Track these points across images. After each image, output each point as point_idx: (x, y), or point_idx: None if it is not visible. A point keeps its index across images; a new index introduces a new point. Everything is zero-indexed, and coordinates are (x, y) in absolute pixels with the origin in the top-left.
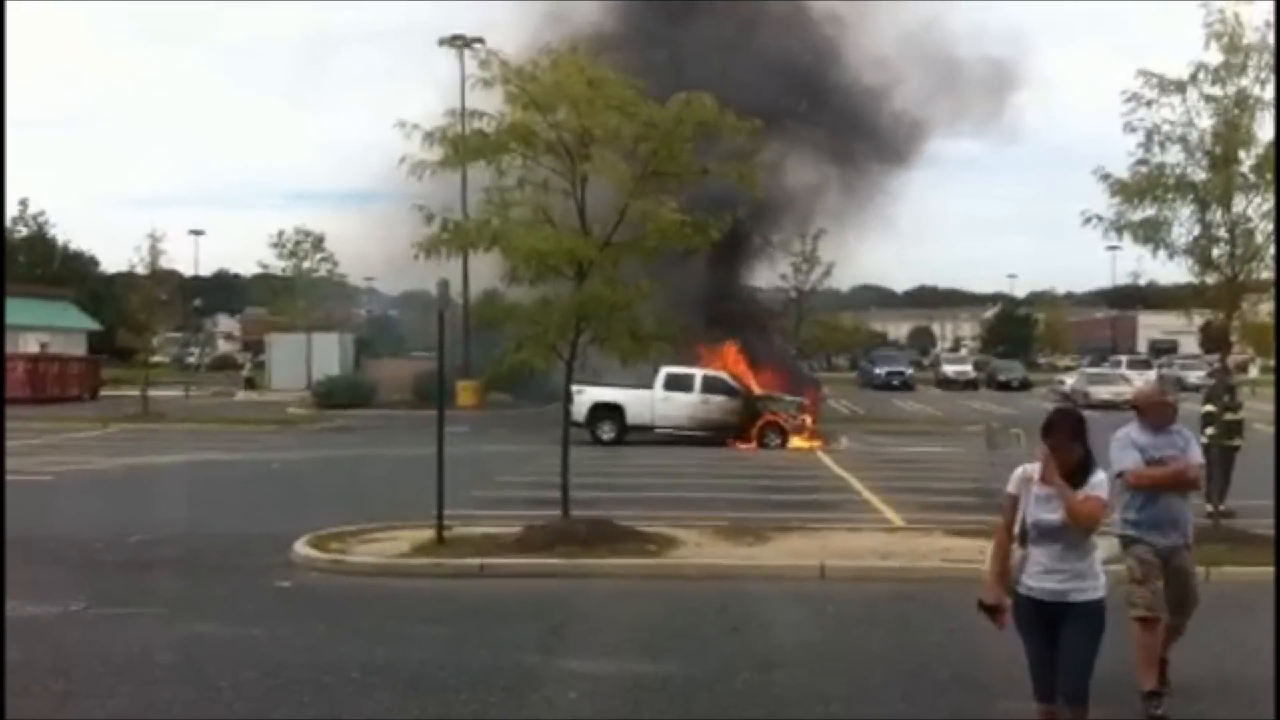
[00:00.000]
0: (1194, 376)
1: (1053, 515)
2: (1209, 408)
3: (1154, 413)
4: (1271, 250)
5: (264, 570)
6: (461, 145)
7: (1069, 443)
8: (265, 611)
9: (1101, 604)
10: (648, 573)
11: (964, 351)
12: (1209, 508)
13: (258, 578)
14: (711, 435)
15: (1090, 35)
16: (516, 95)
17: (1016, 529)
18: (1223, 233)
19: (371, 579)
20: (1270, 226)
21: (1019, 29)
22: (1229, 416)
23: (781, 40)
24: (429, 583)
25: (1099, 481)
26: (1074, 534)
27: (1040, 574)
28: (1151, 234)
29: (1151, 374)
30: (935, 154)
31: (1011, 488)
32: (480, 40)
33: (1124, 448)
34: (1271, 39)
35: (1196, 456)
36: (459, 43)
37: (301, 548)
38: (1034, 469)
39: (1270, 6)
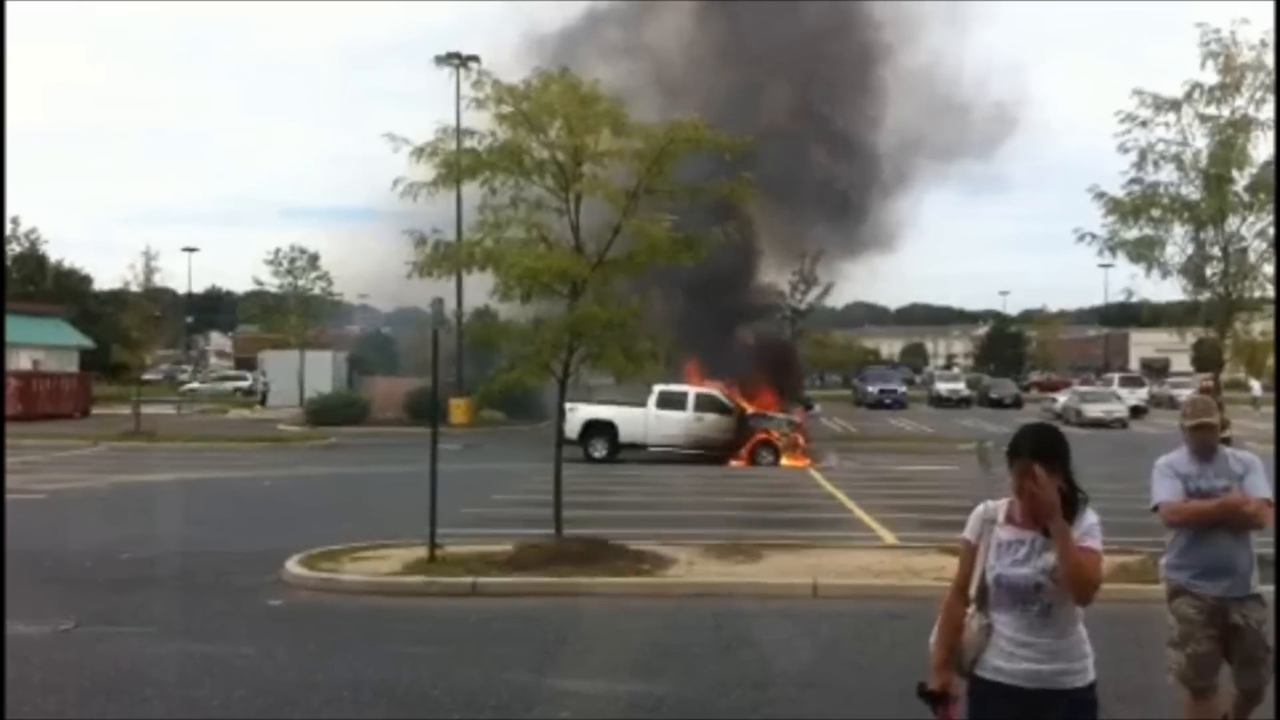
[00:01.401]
0: (1185, 395)
1: (1024, 569)
2: None
3: (1190, 438)
4: (1265, 269)
5: (255, 589)
6: (456, 164)
7: (1044, 471)
8: (256, 630)
9: (1095, 690)
10: (641, 591)
11: (957, 370)
12: None
13: (249, 596)
14: (704, 453)
15: (1086, 53)
16: (509, 114)
17: (974, 588)
18: (1216, 251)
19: (363, 598)
20: (1264, 245)
21: (1017, 54)
22: None
23: (785, 67)
24: (421, 601)
25: (1090, 526)
26: (1054, 595)
27: (1011, 651)
28: (1145, 253)
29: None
30: (929, 173)
31: (969, 532)
32: (475, 58)
33: (1162, 477)
34: (1268, 58)
35: (1258, 488)
36: (455, 61)
37: (293, 566)
38: (999, 507)
39: (1265, 27)
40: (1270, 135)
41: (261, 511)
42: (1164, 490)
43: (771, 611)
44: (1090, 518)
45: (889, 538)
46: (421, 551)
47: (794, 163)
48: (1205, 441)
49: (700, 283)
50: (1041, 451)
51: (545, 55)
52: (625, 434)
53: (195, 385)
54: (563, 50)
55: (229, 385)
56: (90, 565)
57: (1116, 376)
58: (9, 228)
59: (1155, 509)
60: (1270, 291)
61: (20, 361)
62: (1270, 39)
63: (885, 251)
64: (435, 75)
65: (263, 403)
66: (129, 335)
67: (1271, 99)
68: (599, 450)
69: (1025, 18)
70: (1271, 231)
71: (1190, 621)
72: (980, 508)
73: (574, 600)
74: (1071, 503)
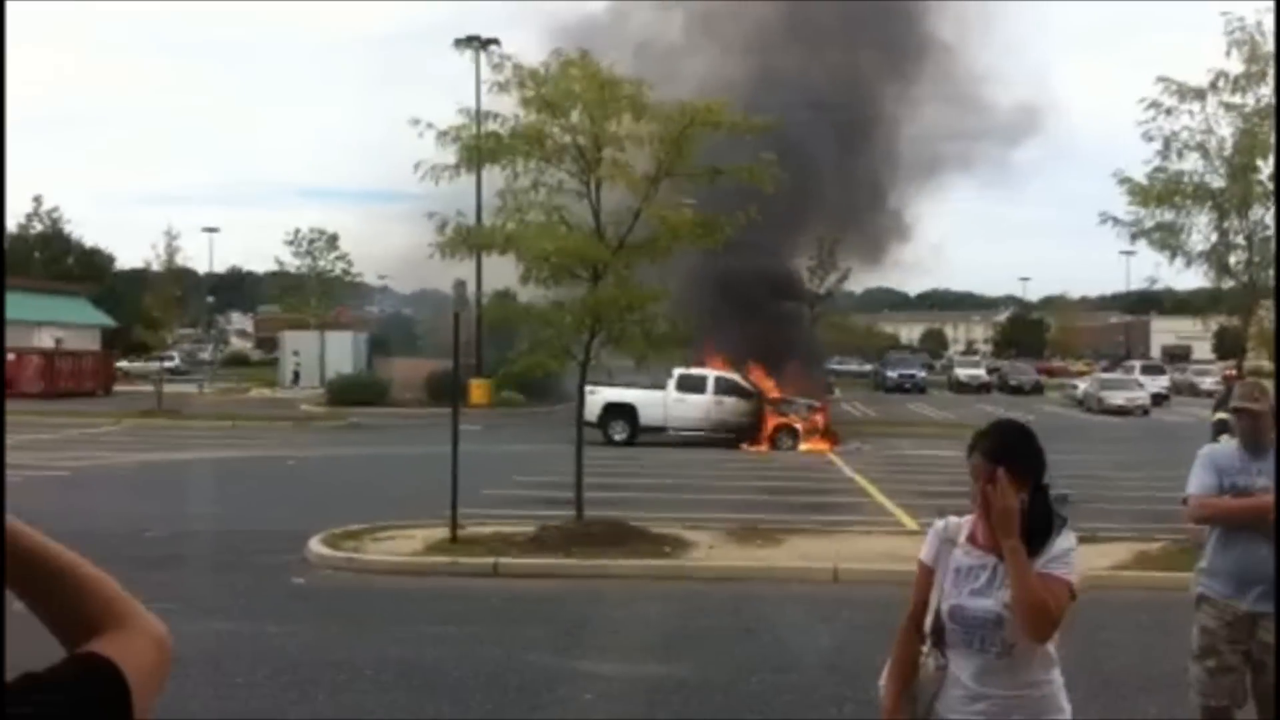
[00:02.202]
0: (1207, 382)
1: (982, 601)
2: (1220, 415)
3: (1242, 424)
4: None
5: (279, 567)
6: (476, 148)
7: (1005, 479)
8: (280, 609)
9: None
10: (662, 574)
11: (978, 356)
12: None
13: (272, 575)
14: (724, 436)
15: (1110, 39)
16: (530, 99)
17: (929, 621)
18: (1240, 240)
19: (385, 577)
20: None
21: (1040, 43)
22: None
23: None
24: (443, 581)
25: (1063, 552)
26: (1019, 634)
27: (966, 701)
28: (1169, 240)
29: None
30: (948, 157)
31: (924, 554)
32: (495, 41)
33: (1199, 468)
34: None
35: None
36: (475, 44)
37: (316, 545)
38: (961, 524)
39: None
40: None
41: (284, 490)
42: (1196, 482)
43: (792, 596)
44: (1065, 542)
45: (910, 523)
46: (443, 532)
47: (826, 145)
48: (1248, 429)
49: (730, 262)
50: (1003, 452)
51: (597, 28)
52: (645, 417)
53: (125, 364)
54: (615, 22)
55: (155, 364)
56: (115, 543)
57: (1138, 364)
58: (31, 206)
59: (1185, 501)
60: None
61: (42, 340)
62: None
63: (904, 241)
64: (459, 58)
65: (295, 382)
66: (150, 315)
67: None
68: (619, 433)
69: (1049, 7)
70: None
71: (1211, 633)
72: (940, 523)
73: (595, 582)
74: (1043, 522)
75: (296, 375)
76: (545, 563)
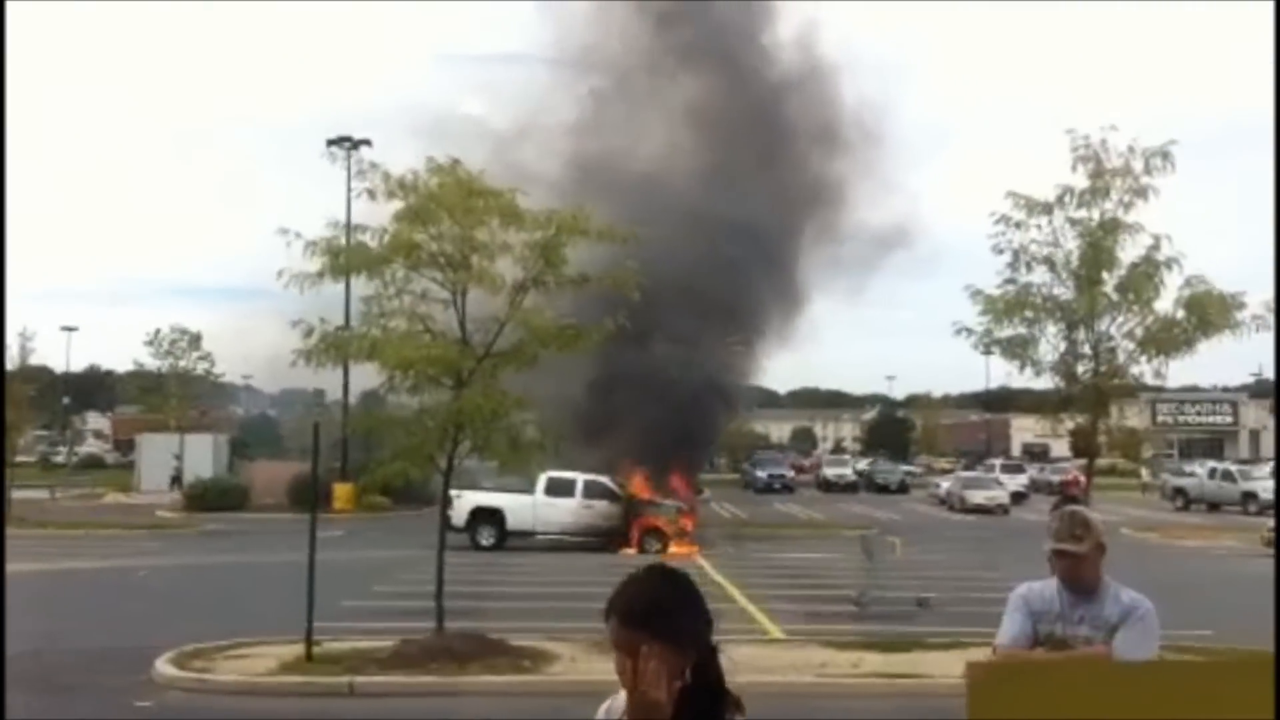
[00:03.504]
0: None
1: None
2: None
3: (1061, 566)
4: (1133, 369)
5: (123, 689)
6: (344, 256)
7: (654, 656)
8: None
9: None
10: (521, 690)
11: (848, 456)
12: None
13: (116, 698)
14: (594, 540)
15: (963, 146)
16: (401, 210)
17: None
18: (1087, 349)
19: (236, 698)
20: (1131, 345)
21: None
22: None
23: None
24: (297, 703)
25: None
26: None
27: None
28: (1020, 351)
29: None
30: (819, 262)
31: None
32: (367, 142)
33: (1012, 610)
34: (1135, 164)
35: (1130, 647)
36: (346, 144)
37: (163, 665)
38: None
39: (1132, 133)
40: (1138, 238)
41: (133, 604)
42: (1006, 629)
43: None
44: None
45: (774, 630)
46: (299, 648)
47: (705, 255)
48: (1069, 573)
49: (610, 366)
50: (649, 617)
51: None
52: (514, 521)
53: None
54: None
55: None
56: None
57: (998, 462)
58: None
59: (995, 651)
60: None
61: None
62: (1138, 145)
63: (775, 344)
64: (333, 157)
65: (177, 486)
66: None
67: (1138, 203)
68: (486, 538)
69: (914, 111)
70: (1139, 332)
71: None
72: (604, 705)
73: (452, 700)
74: (708, 705)
75: (176, 479)
76: (402, 680)
